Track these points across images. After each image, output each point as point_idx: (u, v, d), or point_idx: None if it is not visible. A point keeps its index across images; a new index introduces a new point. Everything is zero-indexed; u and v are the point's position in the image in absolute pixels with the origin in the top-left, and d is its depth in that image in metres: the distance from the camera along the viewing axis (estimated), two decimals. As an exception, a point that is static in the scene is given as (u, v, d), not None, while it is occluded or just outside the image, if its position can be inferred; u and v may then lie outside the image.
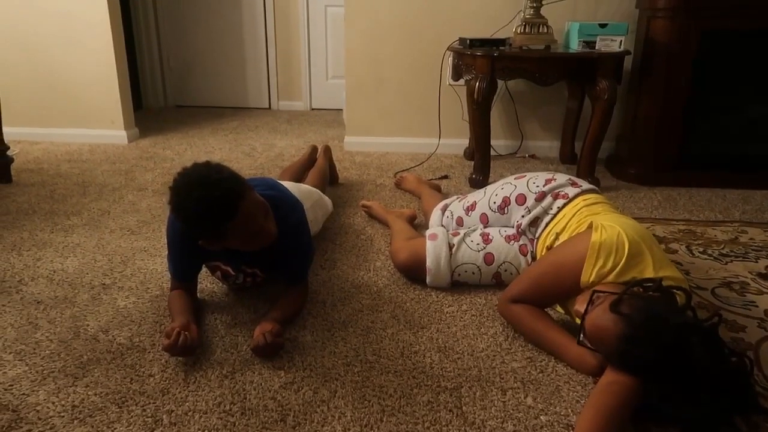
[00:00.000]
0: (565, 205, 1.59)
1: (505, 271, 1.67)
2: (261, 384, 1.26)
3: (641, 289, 1.21)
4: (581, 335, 1.25)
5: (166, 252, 1.55)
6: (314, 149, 2.61)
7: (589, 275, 1.31)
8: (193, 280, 1.58)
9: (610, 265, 1.29)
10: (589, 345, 1.24)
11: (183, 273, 1.54)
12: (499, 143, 3.18)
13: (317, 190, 2.08)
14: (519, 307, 1.43)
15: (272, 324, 1.37)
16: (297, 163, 2.51)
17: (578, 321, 1.29)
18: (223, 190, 1.27)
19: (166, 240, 1.52)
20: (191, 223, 1.30)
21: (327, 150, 2.58)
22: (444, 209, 1.92)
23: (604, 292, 1.23)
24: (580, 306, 1.26)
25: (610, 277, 1.29)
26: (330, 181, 2.55)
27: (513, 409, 1.20)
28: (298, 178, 2.38)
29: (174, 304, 1.48)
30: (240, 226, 1.29)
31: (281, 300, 1.52)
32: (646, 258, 1.29)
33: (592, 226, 1.37)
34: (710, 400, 1.07)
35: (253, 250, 1.41)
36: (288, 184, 1.82)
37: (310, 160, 2.53)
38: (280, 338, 1.35)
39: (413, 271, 1.72)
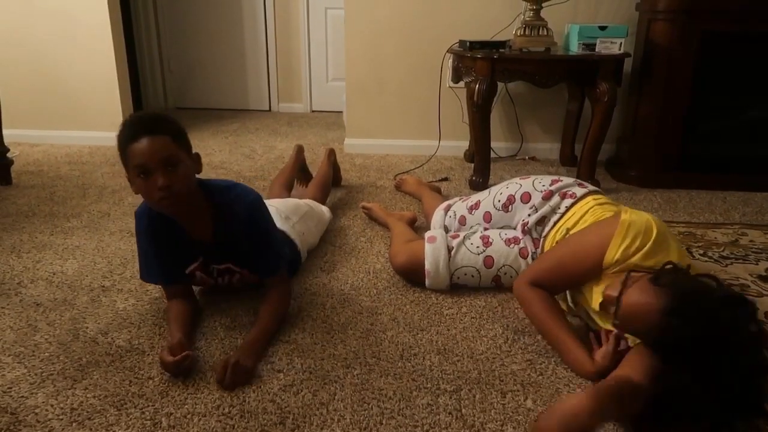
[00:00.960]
0: (573, 204, 1.60)
1: (505, 274, 1.67)
2: (260, 386, 1.26)
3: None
4: (614, 319, 1.21)
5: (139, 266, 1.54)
6: (300, 149, 2.55)
7: (614, 253, 1.30)
8: (181, 282, 1.53)
9: (637, 244, 1.28)
10: (621, 329, 1.21)
11: (169, 274, 1.51)
12: (499, 145, 3.18)
13: (307, 202, 2.03)
14: (537, 294, 1.42)
15: (236, 356, 1.29)
16: (285, 169, 2.44)
17: (595, 315, 1.28)
18: (154, 114, 1.37)
19: (138, 254, 1.52)
20: (119, 129, 1.33)
21: (331, 153, 2.55)
22: (447, 209, 1.92)
23: (640, 271, 1.22)
24: (612, 290, 1.24)
25: (635, 258, 1.28)
26: (333, 181, 2.52)
27: (512, 412, 1.20)
28: (290, 182, 2.36)
29: (170, 316, 1.46)
30: (138, 154, 1.28)
31: (260, 312, 1.47)
32: (671, 247, 1.30)
33: (621, 211, 1.37)
34: (735, 391, 1.02)
35: (156, 207, 1.38)
36: (274, 201, 1.81)
37: (298, 161, 2.49)
38: (239, 375, 1.27)
39: (412, 274, 1.72)
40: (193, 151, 1.42)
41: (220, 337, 1.45)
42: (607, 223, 1.38)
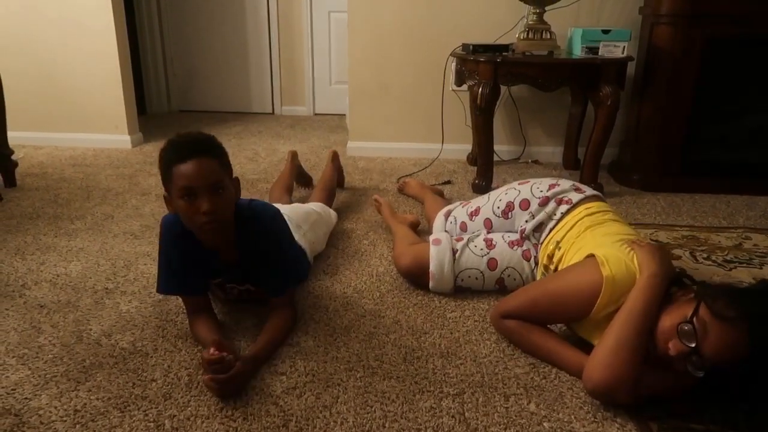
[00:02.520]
0: (568, 210, 1.58)
1: (509, 276, 1.66)
2: (263, 389, 1.26)
3: (691, 288, 1.22)
4: (696, 372, 1.12)
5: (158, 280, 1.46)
6: (294, 155, 2.53)
7: (603, 309, 1.26)
8: (205, 294, 1.49)
9: (625, 291, 1.24)
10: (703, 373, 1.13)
11: (191, 285, 1.44)
12: (502, 149, 3.18)
13: (316, 207, 2.01)
14: (512, 322, 1.40)
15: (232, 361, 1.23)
16: (283, 175, 2.43)
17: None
18: (202, 135, 1.33)
19: (158, 264, 1.44)
20: (164, 147, 1.31)
21: (335, 157, 2.55)
22: (447, 215, 1.92)
23: (689, 323, 1.12)
24: (675, 346, 1.14)
25: (623, 300, 1.24)
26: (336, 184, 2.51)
27: (516, 416, 1.19)
28: (290, 187, 2.36)
29: (201, 334, 1.39)
30: (184, 175, 1.25)
31: (264, 329, 1.42)
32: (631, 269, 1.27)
33: (597, 260, 1.29)
34: None
35: (198, 231, 1.33)
36: (285, 208, 1.78)
37: (294, 166, 2.48)
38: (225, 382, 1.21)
39: (416, 276, 1.72)
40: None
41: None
42: (589, 280, 1.28)
